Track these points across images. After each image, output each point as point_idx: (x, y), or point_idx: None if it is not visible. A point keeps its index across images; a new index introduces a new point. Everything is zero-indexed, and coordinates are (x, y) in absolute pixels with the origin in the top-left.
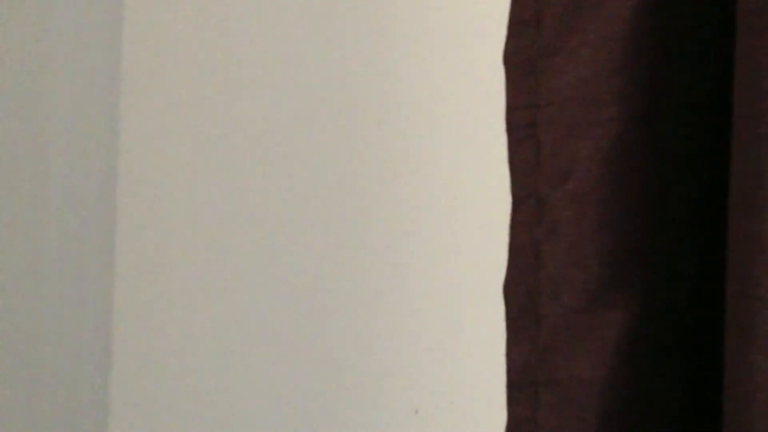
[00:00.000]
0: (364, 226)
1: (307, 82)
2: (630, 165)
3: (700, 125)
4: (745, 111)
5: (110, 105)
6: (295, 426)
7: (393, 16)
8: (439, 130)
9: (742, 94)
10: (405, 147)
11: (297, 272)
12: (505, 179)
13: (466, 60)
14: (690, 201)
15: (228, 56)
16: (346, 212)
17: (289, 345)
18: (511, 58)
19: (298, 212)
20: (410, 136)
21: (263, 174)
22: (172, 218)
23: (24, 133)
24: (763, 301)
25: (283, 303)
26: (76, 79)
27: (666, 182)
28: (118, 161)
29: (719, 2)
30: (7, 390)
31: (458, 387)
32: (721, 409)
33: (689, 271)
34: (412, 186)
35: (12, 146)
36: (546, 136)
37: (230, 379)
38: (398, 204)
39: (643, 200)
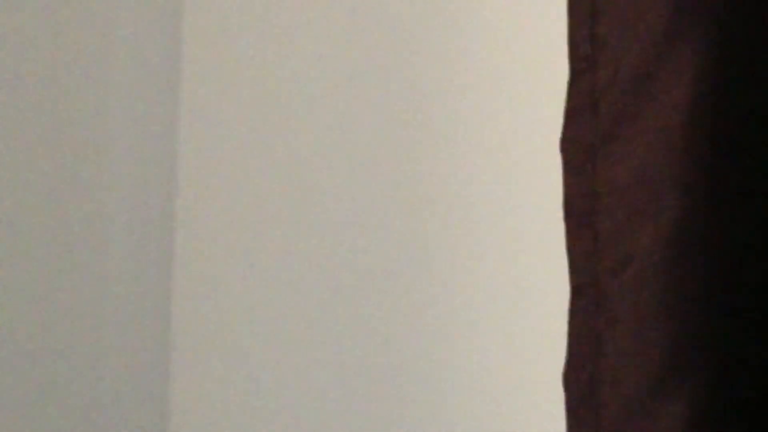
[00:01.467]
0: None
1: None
2: (691, 252)
3: (765, 211)
4: None
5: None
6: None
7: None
8: (494, 221)
9: None
10: (462, 240)
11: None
12: (564, 267)
13: (523, 144)
14: (755, 288)
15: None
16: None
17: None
18: (568, 145)
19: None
20: (469, 228)
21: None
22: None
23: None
24: None
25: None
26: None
27: (729, 269)
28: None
29: None
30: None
31: None
32: None
33: (755, 360)
34: (470, 276)
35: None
36: (605, 223)
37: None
38: (457, 294)
39: (706, 288)
